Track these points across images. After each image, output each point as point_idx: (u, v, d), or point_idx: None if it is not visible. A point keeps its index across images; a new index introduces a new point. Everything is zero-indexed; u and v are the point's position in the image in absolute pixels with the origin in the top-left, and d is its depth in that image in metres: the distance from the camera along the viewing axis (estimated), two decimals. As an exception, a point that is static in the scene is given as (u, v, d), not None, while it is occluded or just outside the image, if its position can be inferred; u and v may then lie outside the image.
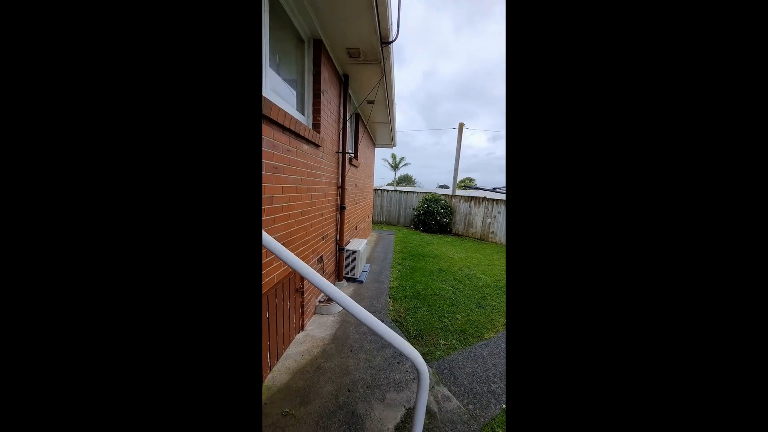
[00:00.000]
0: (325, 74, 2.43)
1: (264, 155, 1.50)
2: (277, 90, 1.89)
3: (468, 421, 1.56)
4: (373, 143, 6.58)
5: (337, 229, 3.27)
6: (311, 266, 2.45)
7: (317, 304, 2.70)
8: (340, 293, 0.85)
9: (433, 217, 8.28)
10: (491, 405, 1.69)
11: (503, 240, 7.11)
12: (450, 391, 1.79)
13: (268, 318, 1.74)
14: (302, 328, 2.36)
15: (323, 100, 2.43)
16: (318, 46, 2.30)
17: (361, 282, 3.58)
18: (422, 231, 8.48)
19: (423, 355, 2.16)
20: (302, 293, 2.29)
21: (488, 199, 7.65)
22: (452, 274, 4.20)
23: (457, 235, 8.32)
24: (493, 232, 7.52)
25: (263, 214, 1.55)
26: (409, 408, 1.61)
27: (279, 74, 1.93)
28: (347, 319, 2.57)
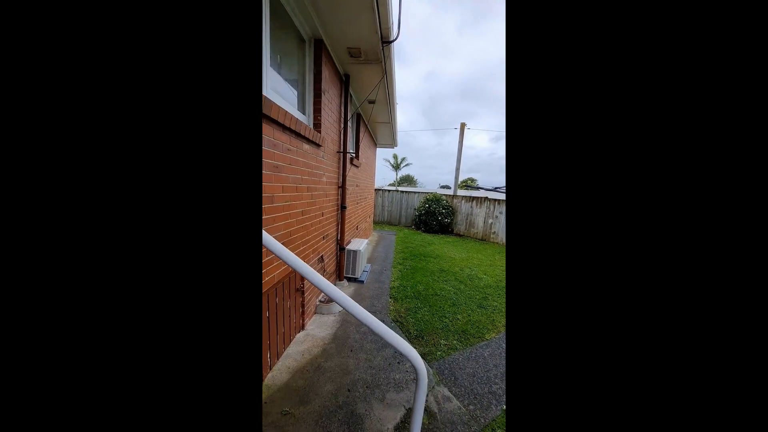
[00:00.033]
0: (326, 74, 2.43)
1: (264, 154, 1.50)
2: (278, 89, 1.89)
3: (468, 422, 1.56)
4: (375, 143, 6.59)
5: (337, 228, 3.27)
6: (312, 266, 2.45)
7: (318, 303, 2.70)
8: (338, 291, 0.85)
9: (435, 217, 8.27)
10: (492, 406, 1.68)
11: (505, 240, 7.08)
12: (450, 391, 1.79)
13: (268, 317, 1.74)
14: (303, 327, 2.36)
15: (324, 99, 2.43)
16: (319, 46, 2.30)
17: (362, 282, 3.58)
18: (424, 231, 8.47)
19: (423, 355, 2.16)
20: (303, 292, 2.29)
21: (490, 200, 7.63)
22: (453, 275, 4.19)
23: (459, 235, 8.31)
24: (494, 232, 7.50)
25: (263, 213, 1.55)
26: (409, 408, 1.61)
27: (280, 74, 1.94)
28: (348, 318, 2.56)
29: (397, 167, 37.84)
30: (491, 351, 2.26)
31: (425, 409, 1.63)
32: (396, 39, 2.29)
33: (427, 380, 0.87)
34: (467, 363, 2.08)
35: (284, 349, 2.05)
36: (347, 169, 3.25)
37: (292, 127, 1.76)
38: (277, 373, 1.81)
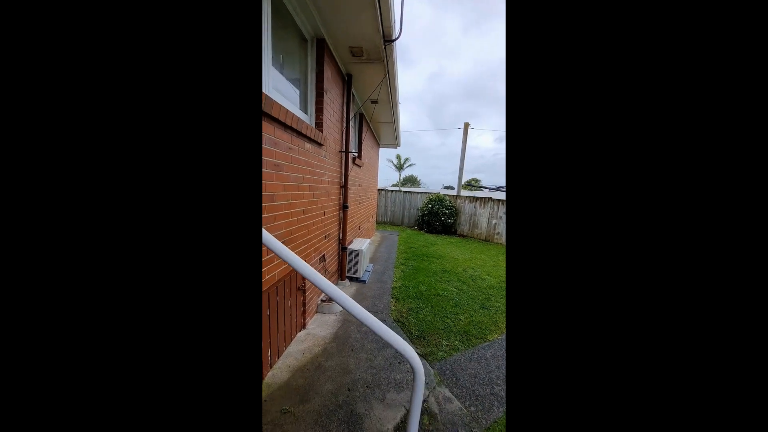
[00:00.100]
0: (328, 73, 2.44)
1: (265, 153, 1.51)
2: (280, 89, 1.89)
3: (469, 423, 1.54)
4: (378, 143, 6.59)
5: (339, 228, 3.27)
6: (313, 265, 2.45)
7: (319, 302, 2.70)
8: (337, 290, 0.84)
9: (438, 217, 8.24)
10: (494, 407, 1.66)
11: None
12: (451, 392, 1.77)
13: (268, 316, 1.74)
14: (304, 326, 2.36)
15: (326, 99, 2.43)
16: (321, 45, 2.31)
17: (364, 282, 3.58)
18: (426, 232, 8.45)
19: (425, 355, 2.14)
20: (304, 291, 2.29)
21: (494, 200, 7.59)
22: (456, 275, 4.17)
23: (462, 235, 8.27)
24: (498, 233, 7.45)
25: (264, 212, 1.55)
26: (409, 408, 1.60)
27: (282, 73, 1.94)
28: (349, 318, 2.56)
29: (400, 168, 37.83)
30: (493, 352, 2.23)
31: (426, 410, 1.61)
32: (398, 38, 2.28)
33: (424, 379, 0.86)
34: (469, 364, 2.06)
35: (285, 347, 2.05)
36: (349, 169, 3.25)
37: (294, 126, 1.76)
38: (277, 372, 1.81)
